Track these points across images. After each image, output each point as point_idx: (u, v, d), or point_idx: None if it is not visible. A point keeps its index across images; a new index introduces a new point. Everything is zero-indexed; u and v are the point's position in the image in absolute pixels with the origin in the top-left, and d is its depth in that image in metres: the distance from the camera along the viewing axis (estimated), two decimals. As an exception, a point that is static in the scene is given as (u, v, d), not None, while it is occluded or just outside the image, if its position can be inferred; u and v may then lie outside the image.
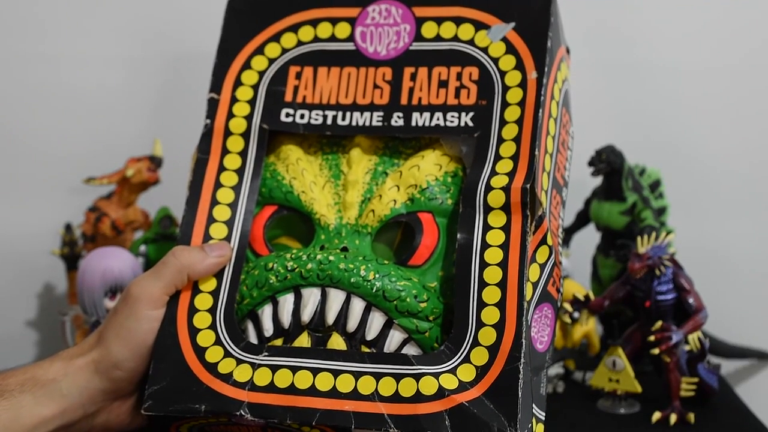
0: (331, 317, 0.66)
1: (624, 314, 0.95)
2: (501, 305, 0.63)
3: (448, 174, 0.70)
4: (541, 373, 0.66)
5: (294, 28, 0.76)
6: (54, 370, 0.65)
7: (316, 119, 0.73)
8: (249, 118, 0.74)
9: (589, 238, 1.07)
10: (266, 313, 0.68)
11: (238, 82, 0.75)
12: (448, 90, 0.71)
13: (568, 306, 0.86)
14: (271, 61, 0.75)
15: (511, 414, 0.60)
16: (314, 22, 0.76)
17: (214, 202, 0.72)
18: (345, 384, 0.63)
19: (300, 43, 0.76)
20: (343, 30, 0.75)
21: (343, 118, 0.73)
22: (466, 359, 0.62)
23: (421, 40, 0.74)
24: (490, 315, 0.63)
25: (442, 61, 0.72)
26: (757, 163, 1.20)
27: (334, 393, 0.62)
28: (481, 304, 0.63)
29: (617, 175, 1.00)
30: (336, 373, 0.63)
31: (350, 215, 0.70)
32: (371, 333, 0.66)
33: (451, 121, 0.71)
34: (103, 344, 0.65)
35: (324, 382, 0.63)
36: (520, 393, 0.61)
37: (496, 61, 0.71)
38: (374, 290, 0.66)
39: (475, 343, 0.63)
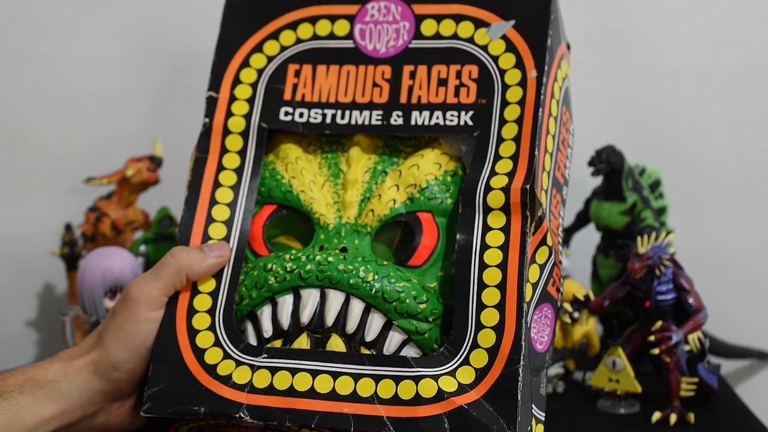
0: (330, 318, 0.66)
1: (624, 314, 0.95)
2: (500, 307, 0.63)
3: (448, 173, 0.70)
4: (541, 373, 0.66)
5: (293, 26, 0.76)
6: (53, 370, 0.65)
7: (315, 118, 0.73)
8: (248, 116, 0.74)
9: (589, 238, 1.07)
10: (265, 314, 0.68)
11: (236, 81, 0.75)
12: (447, 88, 0.71)
13: (568, 306, 0.86)
14: (270, 58, 0.75)
15: (510, 417, 0.60)
16: (313, 20, 0.76)
17: (213, 202, 0.72)
18: (344, 386, 0.63)
19: (299, 41, 0.75)
20: (342, 27, 0.75)
21: (343, 117, 0.73)
22: (466, 361, 0.62)
23: (420, 38, 0.73)
24: (490, 317, 0.63)
25: (442, 60, 0.72)
26: (757, 163, 1.20)
27: (333, 395, 0.62)
28: (481, 306, 0.63)
29: (617, 175, 1.00)
30: (335, 376, 0.63)
31: (349, 215, 0.70)
32: (370, 334, 0.66)
33: (451, 120, 0.70)
34: (102, 345, 0.65)
35: (323, 384, 0.63)
36: (519, 395, 0.60)
37: (495, 59, 0.71)
38: (373, 291, 0.66)
39: (475, 345, 0.62)
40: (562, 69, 0.74)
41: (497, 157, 0.68)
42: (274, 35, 0.76)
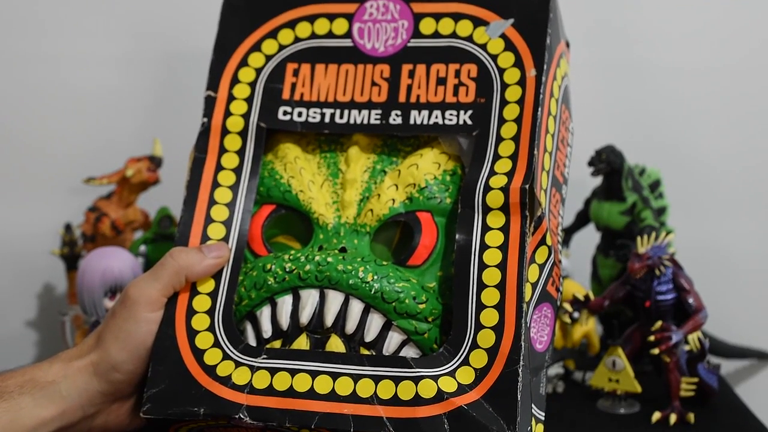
0: (329, 319, 0.66)
1: (624, 314, 0.95)
2: (500, 307, 0.63)
3: (447, 172, 0.70)
4: (541, 373, 0.66)
5: (291, 25, 0.76)
6: (53, 371, 0.65)
7: (314, 117, 0.73)
8: (246, 116, 0.73)
9: (589, 238, 1.07)
10: (265, 314, 0.68)
11: (235, 80, 0.75)
12: (446, 87, 0.71)
13: (567, 306, 0.86)
14: (269, 58, 0.75)
15: (510, 417, 0.60)
16: (311, 19, 0.75)
17: (212, 202, 0.71)
18: (344, 387, 0.63)
19: (297, 40, 0.75)
20: (340, 26, 0.75)
21: (341, 116, 0.73)
22: (465, 362, 0.62)
23: (419, 37, 0.73)
24: (489, 317, 0.63)
25: (441, 58, 0.72)
26: (757, 163, 1.20)
27: (333, 396, 0.62)
28: (480, 306, 0.63)
29: (617, 175, 1.00)
30: (335, 376, 0.63)
31: (349, 214, 0.70)
32: (370, 334, 0.65)
33: (450, 120, 0.70)
34: (102, 347, 0.65)
35: (323, 384, 0.63)
36: (519, 396, 0.60)
37: (494, 58, 0.71)
38: (373, 292, 0.66)
39: (474, 345, 0.62)
40: (562, 67, 0.73)
41: (496, 157, 0.68)
42: (273, 34, 0.76)
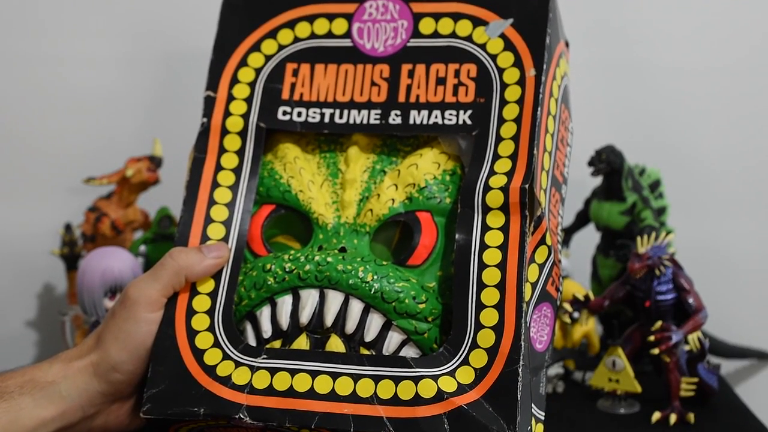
0: (329, 319, 0.66)
1: (624, 314, 0.95)
2: (500, 307, 0.63)
3: (447, 172, 0.70)
4: (541, 372, 0.66)
5: (290, 25, 0.76)
6: (53, 372, 0.65)
7: (314, 117, 0.73)
8: (246, 116, 0.73)
9: (589, 238, 1.07)
10: (264, 314, 0.68)
11: (234, 80, 0.75)
12: (446, 87, 0.71)
13: (567, 306, 0.86)
14: (268, 58, 0.75)
15: (510, 417, 0.60)
16: (311, 18, 0.75)
17: (212, 202, 0.71)
18: (344, 387, 0.63)
19: (297, 40, 0.75)
20: (339, 26, 0.75)
21: (341, 116, 0.73)
22: (465, 361, 0.62)
23: (418, 37, 0.73)
24: (489, 317, 0.63)
25: (440, 58, 0.72)
26: (757, 163, 1.20)
27: (332, 396, 0.62)
28: (480, 306, 0.63)
29: (617, 175, 1.00)
30: (335, 376, 0.63)
31: (348, 214, 0.70)
32: (370, 334, 0.65)
33: (449, 119, 0.70)
34: (102, 347, 0.65)
35: (323, 384, 0.63)
36: (519, 395, 0.60)
37: (494, 57, 0.71)
38: (373, 292, 0.66)
39: (474, 345, 0.62)
40: (561, 67, 0.73)
41: (496, 157, 0.68)
42: (272, 34, 0.76)
